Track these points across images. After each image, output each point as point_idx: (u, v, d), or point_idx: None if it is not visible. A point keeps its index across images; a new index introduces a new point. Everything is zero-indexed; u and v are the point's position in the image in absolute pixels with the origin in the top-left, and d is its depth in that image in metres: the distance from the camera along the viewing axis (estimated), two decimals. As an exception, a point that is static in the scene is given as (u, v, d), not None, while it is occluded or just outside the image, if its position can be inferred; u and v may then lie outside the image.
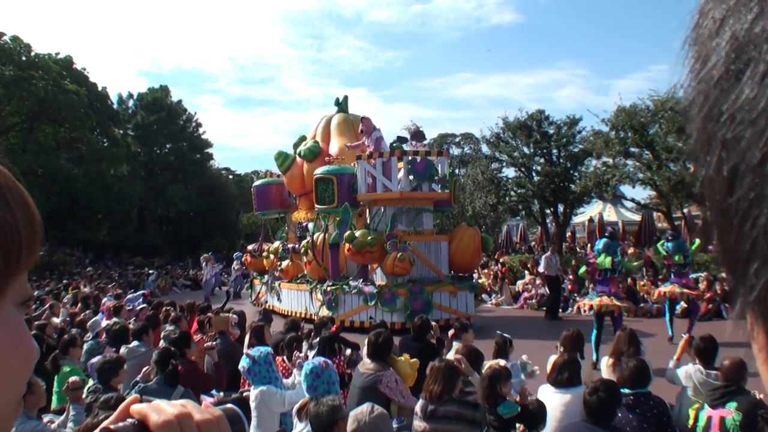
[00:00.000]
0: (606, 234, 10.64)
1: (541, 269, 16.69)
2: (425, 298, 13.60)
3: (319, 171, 15.17)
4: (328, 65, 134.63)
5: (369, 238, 13.62)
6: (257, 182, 20.17)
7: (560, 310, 16.73)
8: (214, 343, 7.18)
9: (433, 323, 7.50)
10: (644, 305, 16.09)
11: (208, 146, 50.04)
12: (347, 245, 13.78)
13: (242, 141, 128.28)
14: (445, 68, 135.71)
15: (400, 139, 15.46)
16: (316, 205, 15.24)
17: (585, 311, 10.57)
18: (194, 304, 10.93)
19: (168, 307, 11.03)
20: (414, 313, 12.62)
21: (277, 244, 18.78)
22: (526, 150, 30.44)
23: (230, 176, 60.30)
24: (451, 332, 7.22)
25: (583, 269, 12.06)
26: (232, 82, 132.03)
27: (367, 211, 15.23)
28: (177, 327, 8.60)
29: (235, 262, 25.64)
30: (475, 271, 18.37)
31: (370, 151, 14.60)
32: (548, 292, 17.17)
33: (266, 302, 18.83)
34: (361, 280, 14.21)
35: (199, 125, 48.93)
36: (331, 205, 14.78)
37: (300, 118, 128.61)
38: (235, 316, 8.76)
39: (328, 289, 14.52)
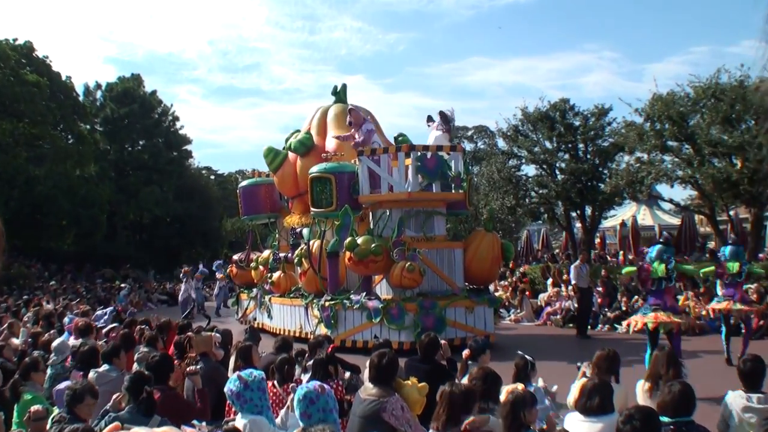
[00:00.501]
0: (660, 240, 10.60)
1: (572, 280, 16.67)
2: (438, 314, 13.61)
3: (315, 169, 15.18)
4: (321, 50, 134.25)
5: (373, 245, 13.63)
6: (243, 183, 20.27)
7: (589, 326, 16.83)
8: (197, 367, 7.04)
9: (443, 341, 7.54)
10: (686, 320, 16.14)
11: (186, 143, 49.91)
12: (348, 254, 13.79)
13: (225, 137, 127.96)
14: (455, 52, 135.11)
15: (429, 118, 15.64)
16: (312, 209, 15.26)
17: (636, 329, 10.41)
18: (170, 322, 11.01)
19: (142, 326, 11.04)
20: (425, 332, 12.53)
21: (266, 253, 18.82)
22: (548, 144, 30.32)
23: (212, 177, 60.53)
24: (465, 353, 7.24)
25: (628, 269, 12.00)
26: (213, 69, 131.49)
27: (371, 214, 15.22)
28: (153, 348, 8.58)
29: (217, 273, 25.61)
30: (493, 283, 18.37)
31: (357, 143, 14.65)
32: (576, 306, 17.18)
33: (254, 319, 18.85)
34: (364, 293, 14.22)
35: (176, 119, 48.97)
36: (329, 207, 14.80)
37: (291, 110, 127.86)
38: (218, 335, 8.78)
39: (327, 304, 14.53)
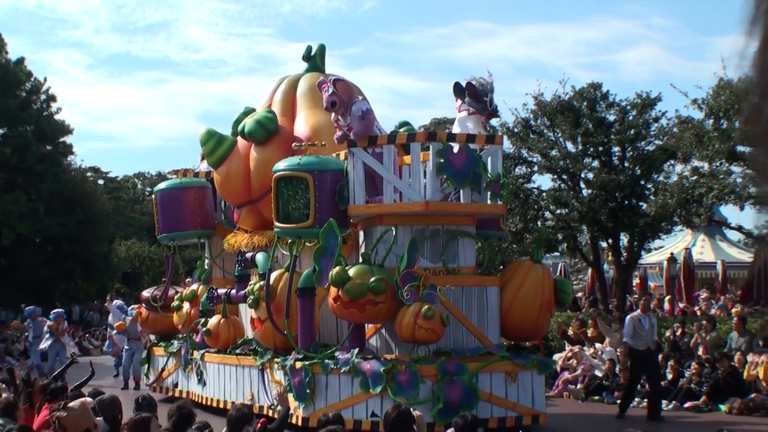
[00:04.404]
0: None
1: (624, 339, 16.18)
2: (467, 383, 12.88)
3: (282, 165, 14.35)
4: (256, 6, 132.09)
5: (372, 279, 12.86)
6: (162, 185, 19.55)
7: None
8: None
9: (417, 413, 7.54)
10: (756, 396, 16.16)
11: (65, 133, 48.74)
12: (334, 291, 13.05)
13: (120, 125, 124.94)
14: (443, 14, 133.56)
15: (457, 89, 14.78)
16: (276, 223, 14.43)
17: None
18: (35, 381, 11.40)
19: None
20: (450, 409, 12.21)
21: (195, 287, 18.19)
22: (570, 147, 29.74)
23: (100, 181, 59.33)
24: None
25: None
26: (103, 29, 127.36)
27: (361, 234, 14.56)
28: (10, 420, 8.77)
29: (111, 317, 24.93)
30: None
31: (348, 132, 13.92)
32: (629, 374, 16.85)
33: (175, 386, 18.48)
34: (357, 350, 13.39)
35: (51, 99, 47.87)
36: (303, 222, 13.99)
37: (212, 91, 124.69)
38: (90, 399, 8.61)
39: (299, 365, 13.72)
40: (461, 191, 13.71)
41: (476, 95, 14.45)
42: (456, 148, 13.52)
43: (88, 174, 57.26)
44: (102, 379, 22.14)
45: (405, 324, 12.68)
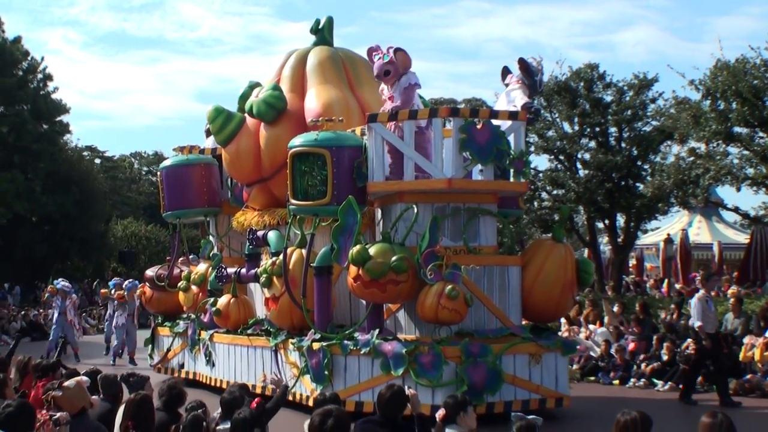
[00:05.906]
0: None
1: (696, 322, 15.18)
2: (491, 365, 12.35)
3: (298, 141, 13.74)
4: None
5: (394, 258, 12.29)
6: (167, 162, 18.97)
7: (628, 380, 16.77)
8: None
9: (411, 392, 7.45)
10: (751, 377, 15.82)
11: (62, 112, 47.93)
12: (354, 270, 12.50)
13: (116, 104, 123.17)
14: None
15: (504, 71, 14.51)
16: (292, 200, 13.88)
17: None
18: (29, 360, 10.98)
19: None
20: (474, 392, 11.82)
21: (202, 267, 17.59)
22: (567, 127, 29.66)
23: (97, 161, 58.88)
24: (439, 413, 7.33)
25: None
26: (98, 7, 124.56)
27: (379, 212, 13.94)
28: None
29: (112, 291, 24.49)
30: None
31: (395, 108, 13.32)
32: (695, 356, 15.66)
33: (181, 367, 18.03)
34: (377, 331, 12.86)
35: (48, 78, 47.22)
36: (320, 200, 13.45)
37: (208, 70, 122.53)
38: (86, 378, 8.40)
39: (316, 346, 13.19)
40: (484, 169, 13.26)
41: (528, 71, 14.07)
42: (479, 124, 13.02)
43: (85, 153, 56.95)
44: (93, 357, 22.41)
45: (428, 304, 12.19)
